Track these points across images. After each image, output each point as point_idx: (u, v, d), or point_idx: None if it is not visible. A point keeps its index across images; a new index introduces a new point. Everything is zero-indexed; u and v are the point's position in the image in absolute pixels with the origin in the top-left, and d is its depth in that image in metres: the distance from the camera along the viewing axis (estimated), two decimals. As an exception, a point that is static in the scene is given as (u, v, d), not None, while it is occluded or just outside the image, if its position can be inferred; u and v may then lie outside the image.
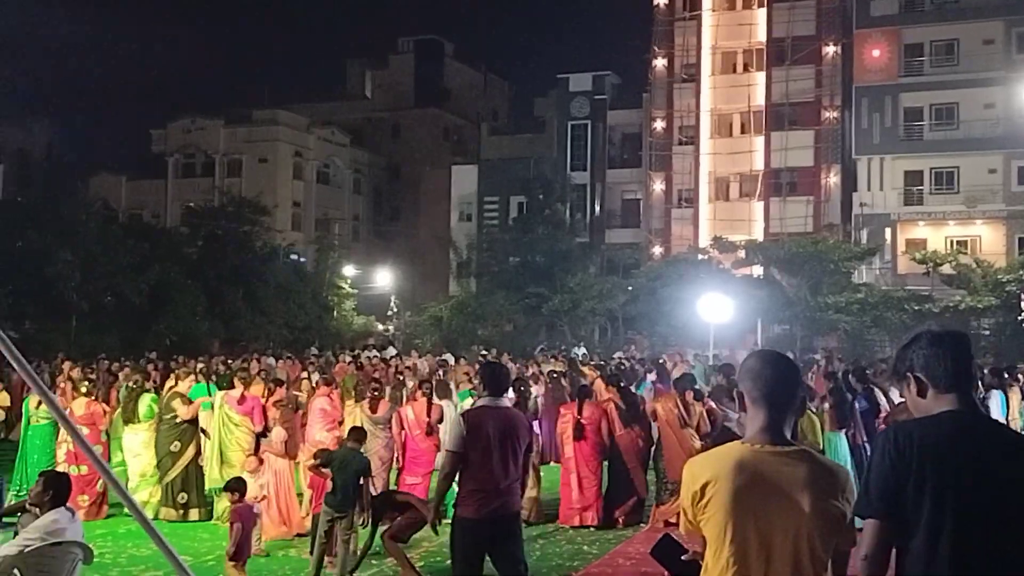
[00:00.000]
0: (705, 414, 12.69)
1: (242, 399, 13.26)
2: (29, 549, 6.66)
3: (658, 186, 52.12)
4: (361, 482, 9.83)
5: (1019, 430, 15.83)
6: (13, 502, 10.85)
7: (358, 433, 10.59)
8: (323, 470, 10.12)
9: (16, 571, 6.64)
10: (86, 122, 59.68)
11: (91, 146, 60.56)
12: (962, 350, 3.39)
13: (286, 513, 12.25)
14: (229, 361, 25.19)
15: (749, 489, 3.39)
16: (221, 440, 13.06)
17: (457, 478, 7.22)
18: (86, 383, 14.85)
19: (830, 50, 48.96)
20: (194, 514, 13.14)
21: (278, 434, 12.43)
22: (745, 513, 3.38)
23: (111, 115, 58.94)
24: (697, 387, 13.70)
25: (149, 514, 12.05)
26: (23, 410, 14.42)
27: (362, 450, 10.44)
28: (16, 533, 7.25)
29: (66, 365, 18.62)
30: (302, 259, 50.92)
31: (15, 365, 5.76)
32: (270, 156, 59.89)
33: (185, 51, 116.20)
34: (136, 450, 13.77)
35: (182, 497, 13.17)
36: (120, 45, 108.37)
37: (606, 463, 13.37)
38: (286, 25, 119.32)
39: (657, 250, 50.19)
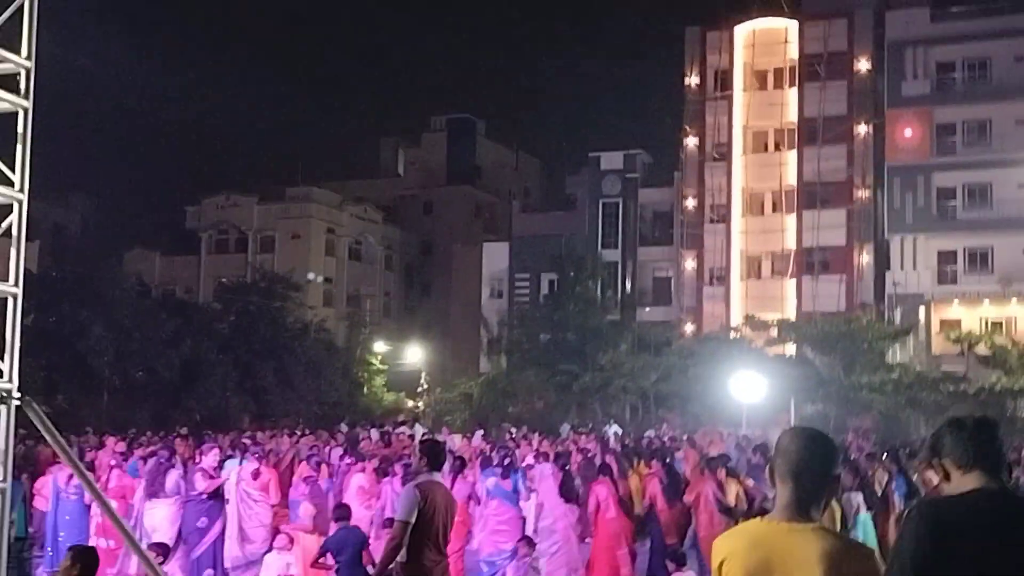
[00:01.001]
0: (742, 492, 12.51)
1: (257, 473, 13.22)
2: (55, 626, 6.59)
3: (690, 264, 52.07)
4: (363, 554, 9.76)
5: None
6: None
7: (342, 510, 10.54)
8: (324, 560, 10.04)
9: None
10: (122, 197, 60.59)
11: (126, 221, 61.31)
12: (985, 431, 3.43)
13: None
14: (255, 435, 25.14)
15: (761, 565, 3.35)
16: (240, 515, 12.99)
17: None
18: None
19: (862, 129, 49.05)
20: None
21: (306, 510, 12.34)
22: None
23: (146, 191, 59.98)
24: (730, 465, 13.54)
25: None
26: (53, 484, 14.40)
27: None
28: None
29: (110, 440, 18.62)
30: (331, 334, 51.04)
31: (48, 439, 5.72)
32: (303, 232, 60.46)
33: (220, 128, 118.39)
34: (158, 526, 13.69)
35: (208, 573, 13.06)
36: (154, 121, 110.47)
37: (648, 539, 13.24)
38: (321, 103, 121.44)
39: (689, 328, 49.96)
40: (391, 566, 7.64)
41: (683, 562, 10.95)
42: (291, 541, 11.81)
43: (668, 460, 15.81)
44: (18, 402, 5.09)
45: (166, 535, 13.55)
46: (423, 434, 28.83)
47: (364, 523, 12.59)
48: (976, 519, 3.22)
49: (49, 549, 13.73)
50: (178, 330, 38.90)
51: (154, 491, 14.02)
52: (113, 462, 14.59)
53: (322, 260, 61.15)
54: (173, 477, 13.97)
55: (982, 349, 38.73)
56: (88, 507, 13.30)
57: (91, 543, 11.57)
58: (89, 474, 14.04)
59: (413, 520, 7.48)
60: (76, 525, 13.48)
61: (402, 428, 31.83)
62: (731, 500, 12.34)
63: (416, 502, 7.54)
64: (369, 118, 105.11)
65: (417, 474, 8.37)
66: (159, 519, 13.72)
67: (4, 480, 5.09)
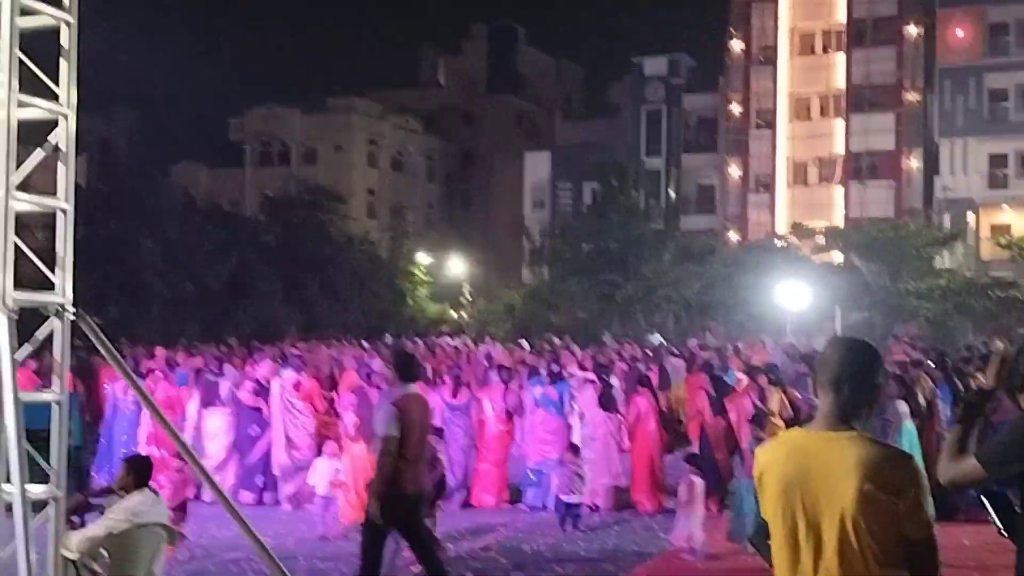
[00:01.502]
0: (785, 399, 12.54)
1: (298, 384, 13.47)
2: (115, 531, 6.82)
3: (735, 171, 51.54)
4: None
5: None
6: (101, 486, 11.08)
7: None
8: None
9: (103, 551, 6.80)
10: (166, 111, 60.68)
11: (171, 135, 61.49)
12: None
13: (364, 497, 12.34)
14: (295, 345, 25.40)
15: (799, 473, 3.37)
16: (285, 424, 13.29)
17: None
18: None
19: (912, 31, 47.93)
20: (268, 497, 13.37)
21: (350, 419, 12.56)
22: (794, 497, 3.37)
23: (190, 104, 59.91)
24: (777, 374, 13.56)
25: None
26: (111, 395, 14.75)
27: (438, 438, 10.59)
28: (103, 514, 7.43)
29: (159, 350, 18.98)
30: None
31: (102, 351, 5.86)
32: (345, 144, 60.40)
33: (262, 39, 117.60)
34: (214, 432, 14.02)
35: (259, 480, 13.39)
36: (198, 34, 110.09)
37: (697, 449, 13.37)
38: (360, 13, 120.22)
39: (733, 236, 49.66)
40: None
41: (699, 464, 11.16)
42: (340, 448, 12.06)
43: (716, 372, 15.82)
44: (72, 316, 5.20)
45: (222, 443, 13.92)
46: (463, 343, 29.08)
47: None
48: None
49: (106, 459, 14.13)
50: (225, 243, 39.27)
51: (209, 400, 14.35)
52: (163, 373, 14.89)
53: (365, 172, 61.18)
54: (225, 387, 14.28)
55: (1033, 254, 38.21)
56: (143, 416, 13.61)
57: (145, 452, 11.87)
58: (142, 384, 14.39)
59: (397, 433, 7.77)
60: (131, 434, 13.83)
61: (446, 338, 32.10)
62: (774, 407, 12.37)
63: (395, 417, 7.82)
64: (408, 27, 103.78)
65: (392, 387, 8.60)
66: (214, 427, 14.07)
67: (61, 392, 5.22)
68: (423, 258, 52.34)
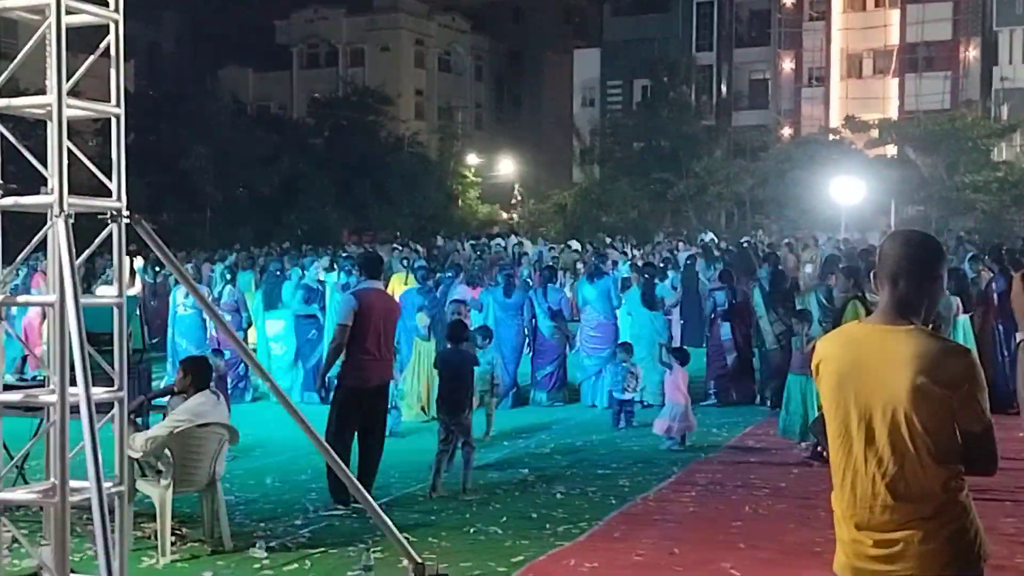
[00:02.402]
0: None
1: (346, 287, 13.59)
2: (178, 430, 7.01)
3: (787, 65, 50.53)
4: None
5: None
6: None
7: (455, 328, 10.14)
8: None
9: (167, 451, 7.00)
10: (212, 14, 60.42)
11: (218, 39, 61.27)
12: None
13: (425, 397, 12.49)
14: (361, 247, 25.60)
15: (853, 365, 3.36)
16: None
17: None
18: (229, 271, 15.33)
19: (973, -86, 46.25)
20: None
21: (421, 319, 12.71)
22: (847, 388, 3.35)
23: (236, 7, 59.45)
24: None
25: (293, 399, 12.48)
26: (171, 301, 14.98)
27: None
28: (165, 416, 7.62)
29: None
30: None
31: (160, 256, 5.93)
32: (392, 44, 59.91)
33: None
34: (278, 336, 14.25)
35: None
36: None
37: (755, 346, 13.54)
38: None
39: (786, 132, 48.88)
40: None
41: (686, 360, 11.40)
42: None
43: (778, 265, 15.74)
44: (128, 220, 5.26)
45: (286, 345, 14.18)
46: (514, 244, 29.12)
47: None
48: None
49: (168, 361, 14.41)
50: (275, 147, 39.42)
51: (271, 303, 14.57)
52: (228, 276, 15.04)
53: (412, 72, 60.73)
54: (289, 290, 14.48)
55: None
56: (204, 320, 13.82)
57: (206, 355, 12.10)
58: (202, 289, 14.59)
59: (350, 323, 8.24)
60: (192, 337, 14.06)
61: (498, 239, 32.16)
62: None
63: (352, 307, 8.30)
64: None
65: (358, 283, 9.27)
66: (277, 331, 14.32)
67: (120, 295, 5.32)
68: (473, 159, 52.16)
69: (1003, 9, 45.33)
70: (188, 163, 36.04)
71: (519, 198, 51.68)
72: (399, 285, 15.95)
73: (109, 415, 5.18)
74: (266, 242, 31.10)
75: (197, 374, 7.44)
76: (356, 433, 8.41)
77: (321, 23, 61.42)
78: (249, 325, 14.62)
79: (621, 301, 13.99)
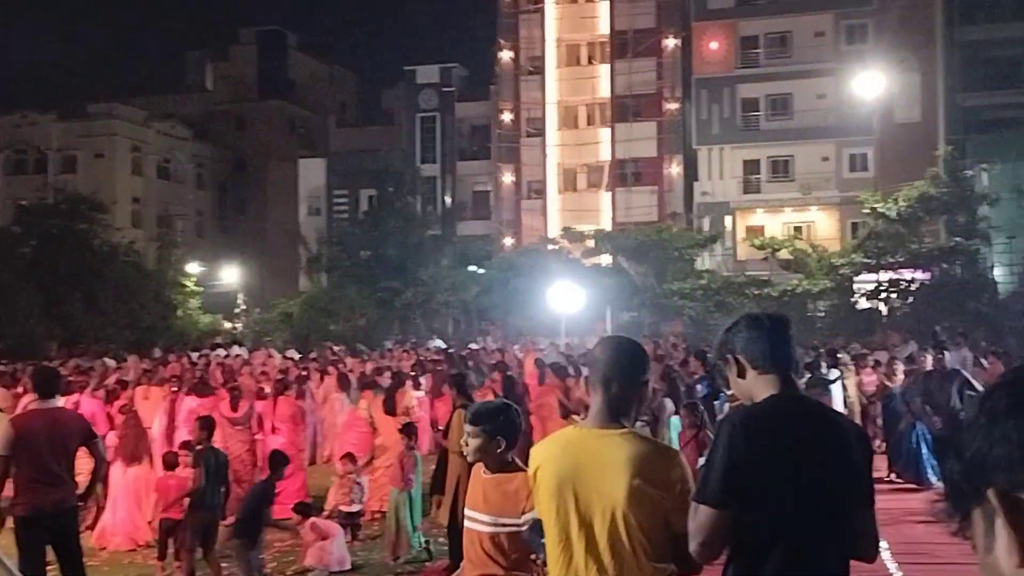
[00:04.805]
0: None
1: (76, 405, 12.83)
2: None
3: (508, 178, 52.40)
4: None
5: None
6: None
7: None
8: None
9: None
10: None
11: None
12: (780, 331, 3.42)
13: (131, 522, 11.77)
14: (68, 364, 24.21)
15: (571, 471, 3.42)
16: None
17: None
18: None
19: (670, 43, 49.98)
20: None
21: (109, 440, 11.94)
22: (567, 494, 3.41)
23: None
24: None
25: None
26: None
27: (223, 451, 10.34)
28: None
29: None
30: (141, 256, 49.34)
31: None
32: (107, 151, 57.78)
33: (15, 45, 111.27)
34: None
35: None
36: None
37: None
38: (121, 18, 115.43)
39: (508, 241, 50.46)
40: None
41: None
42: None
43: (508, 372, 16.05)
44: None
45: None
46: (237, 355, 28.38)
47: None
48: (782, 427, 3.24)
49: None
50: (-25, 256, 36.86)
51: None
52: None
53: (128, 179, 58.70)
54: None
55: (784, 254, 40.34)
56: None
57: None
58: None
59: (8, 453, 7.41)
60: None
61: (219, 350, 31.19)
62: (579, 407, 12.67)
63: (7, 436, 7.47)
64: (173, 32, 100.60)
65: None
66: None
67: None
68: (194, 268, 50.63)
69: (701, 129, 48.96)
70: None
71: (244, 307, 50.50)
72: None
73: None
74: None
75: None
76: (58, 557, 7.71)
77: (29, 128, 58.58)
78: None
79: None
